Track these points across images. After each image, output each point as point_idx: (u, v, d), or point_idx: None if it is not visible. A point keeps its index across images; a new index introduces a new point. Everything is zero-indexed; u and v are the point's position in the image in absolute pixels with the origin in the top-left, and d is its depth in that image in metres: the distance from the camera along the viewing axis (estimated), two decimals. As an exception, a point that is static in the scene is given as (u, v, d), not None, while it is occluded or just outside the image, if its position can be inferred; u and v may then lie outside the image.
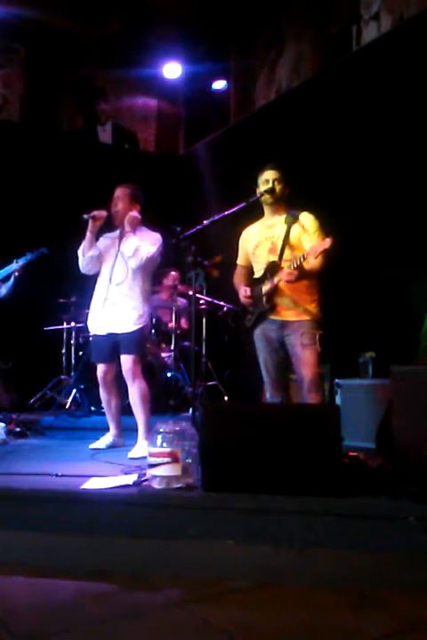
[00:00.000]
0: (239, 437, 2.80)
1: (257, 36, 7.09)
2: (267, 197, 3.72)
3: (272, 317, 3.67)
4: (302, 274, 3.48)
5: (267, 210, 3.79)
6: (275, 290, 3.62)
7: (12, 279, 4.84)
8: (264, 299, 3.66)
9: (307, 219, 3.68)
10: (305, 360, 3.57)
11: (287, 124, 6.21)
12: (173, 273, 6.43)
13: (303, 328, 3.57)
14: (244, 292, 3.77)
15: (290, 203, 3.79)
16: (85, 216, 4.13)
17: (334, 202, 5.09)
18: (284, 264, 3.59)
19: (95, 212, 4.14)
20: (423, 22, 5.00)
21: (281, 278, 3.54)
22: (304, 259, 3.44)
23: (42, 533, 2.41)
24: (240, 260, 3.96)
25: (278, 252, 3.64)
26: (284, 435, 2.77)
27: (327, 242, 3.37)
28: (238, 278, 3.93)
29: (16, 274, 4.80)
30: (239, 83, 7.50)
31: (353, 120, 5.51)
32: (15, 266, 4.81)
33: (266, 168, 3.77)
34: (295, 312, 3.60)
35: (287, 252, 3.62)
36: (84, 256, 4.19)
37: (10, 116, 7.38)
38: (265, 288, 3.66)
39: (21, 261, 4.82)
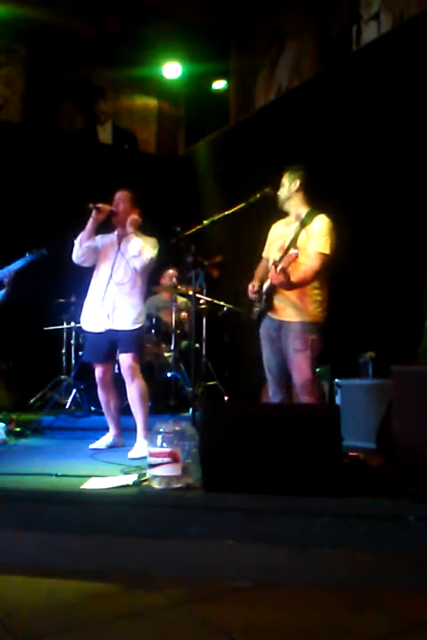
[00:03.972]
0: (239, 437, 2.81)
1: (257, 35, 7.09)
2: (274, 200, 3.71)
3: (271, 316, 3.65)
4: (289, 282, 3.40)
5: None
6: (272, 288, 3.59)
7: (5, 287, 4.69)
8: (264, 297, 3.65)
9: (319, 222, 3.58)
10: (296, 365, 3.52)
11: (287, 124, 6.21)
12: (170, 271, 6.41)
13: (297, 331, 3.51)
14: (251, 287, 3.72)
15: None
16: (91, 205, 4.12)
17: (334, 202, 5.07)
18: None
19: (100, 204, 4.14)
20: (423, 22, 5.00)
21: (272, 277, 3.50)
22: (274, 266, 3.39)
23: (42, 533, 2.41)
24: (264, 252, 3.91)
25: (284, 251, 3.63)
26: (284, 435, 2.77)
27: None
28: (258, 270, 3.88)
29: (6, 279, 4.66)
30: (239, 83, 7.50)
31: (353, 120, 5.51)
32: (5, 272, 4.67)
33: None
34: (291, 312, 3.55)
35: None
36: (81, 245, 4.17)
37: (10, 116, 7.39)
38: (265, 286, 3.65)
39: (17, 264, 4.72)
